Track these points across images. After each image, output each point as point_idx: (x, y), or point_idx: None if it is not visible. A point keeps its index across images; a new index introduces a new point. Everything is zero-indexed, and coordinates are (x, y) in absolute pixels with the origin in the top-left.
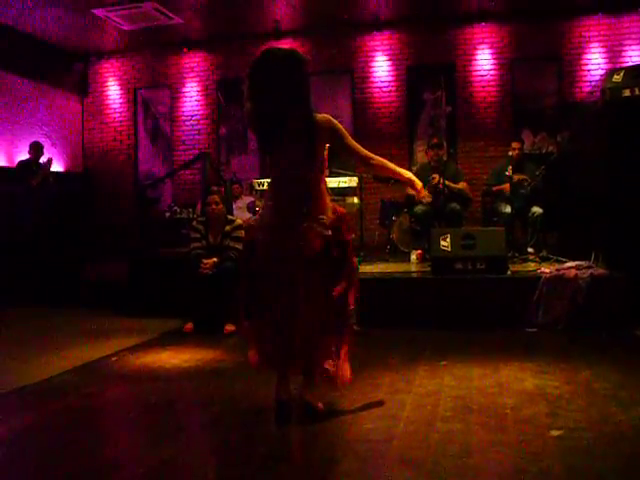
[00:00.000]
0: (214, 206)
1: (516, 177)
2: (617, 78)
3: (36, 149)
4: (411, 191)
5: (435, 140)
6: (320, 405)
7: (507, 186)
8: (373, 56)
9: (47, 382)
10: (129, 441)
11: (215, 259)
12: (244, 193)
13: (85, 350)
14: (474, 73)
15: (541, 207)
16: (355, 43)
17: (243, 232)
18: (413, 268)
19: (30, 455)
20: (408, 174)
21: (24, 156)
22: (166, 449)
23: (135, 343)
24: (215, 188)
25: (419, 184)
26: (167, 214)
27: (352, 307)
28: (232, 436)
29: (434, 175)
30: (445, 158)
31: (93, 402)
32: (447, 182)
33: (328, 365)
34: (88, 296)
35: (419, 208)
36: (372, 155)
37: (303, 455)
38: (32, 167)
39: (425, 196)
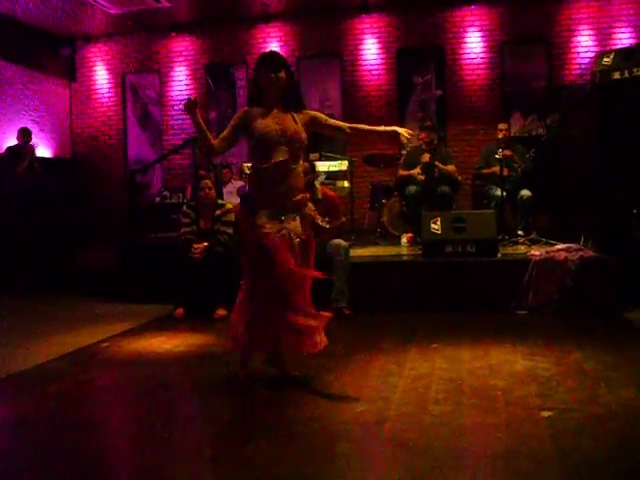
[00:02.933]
0: (207, 190)
1: (504, 153)
2: (607, 61)
3: (24, 135)
4: (404, 138)
5: (429, 122)
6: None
7: (497, 169)
8: (362, 39)
9: (38, 369)
10: (122, 427)
11: (205, 243)
12: (234, 177)
13: (76, 336)
14: (464, 56)
15: (531, 190)
16: (344, 26)
17: (233, 216)
18: (404, 251)
19: (22, 442)
20: (389, 127)
21: (12, 142)
22: (159, 434)
23: (126, 329)
24: (204, 172)
25: (402, 129)
26: (157, 199)
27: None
28: (224, 418)
29: (425, 154)
30: (436, 141)
31: (85, 388)
32: (437, 163)
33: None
34: (78, 282)
35: (410, 189)
36: (345, 124)
37: (296, 438)
38: (21, 153)
39: (417, 173)
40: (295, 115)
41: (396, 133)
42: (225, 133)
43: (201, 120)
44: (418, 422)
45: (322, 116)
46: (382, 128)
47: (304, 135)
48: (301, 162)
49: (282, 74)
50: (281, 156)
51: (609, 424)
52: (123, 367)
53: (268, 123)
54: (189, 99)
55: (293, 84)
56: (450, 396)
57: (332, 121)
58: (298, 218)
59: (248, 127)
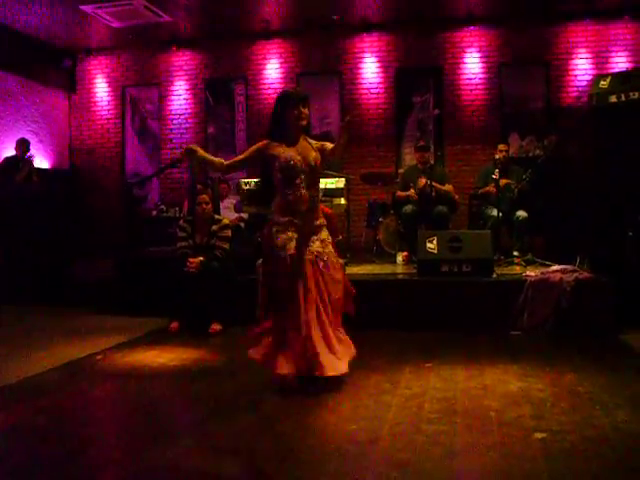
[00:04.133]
0: (204, 206)
1: (502, 182)
2: (604, 84)
3: (22, 145)
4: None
5: (422, 142)
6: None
7: (492, 187)
8: (362, 58)
9: (32, 380)
10: (114, 441)
11: (201, 258)
12: (231, 192)
13: (70, 348)
14: (462, 76)
15: (527, 211)
16: (344, 45)
17: (229, 232)
18: (399, 270)
19: (13, 455)
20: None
21: (10, 152)
22: (151, 449)
23: (121, 341)
24: (200, 187)
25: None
26: (154, 212)
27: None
28: (218, 435)
29: (421, 179)
30: (432, 161)
31: (78, 401)
32: (435, 184)
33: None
34: (74, 294)
35: (406, 209)
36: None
37: (289, 456)
38: (18, 163)
39: (412, 195)
40: (312, 143)
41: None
42: (238, 158)
43: (203, 154)
44: (411, 442)
45: (328, 145)
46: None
47: (320, 165)
48: (318, 187)
49: (306, 109)
50: (304, 187)
51: (603, 446)
52: (116, 380)
53: (291, 155)
54: (187, 148)
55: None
56: (444, 416)
57: (330, 146)
58: (318, 241)
59: (268, 158)
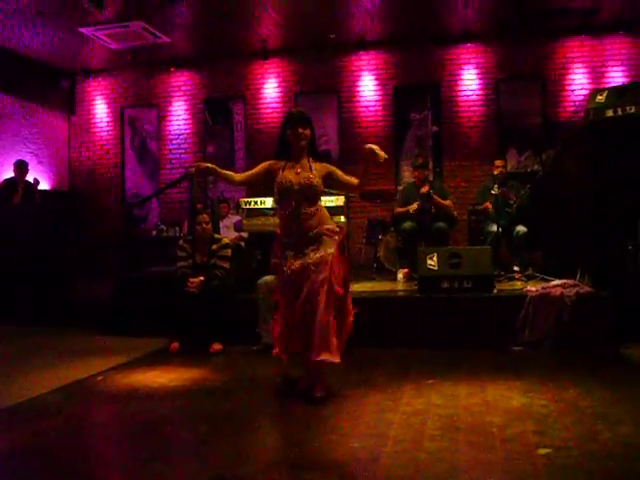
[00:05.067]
0: (204, 225)
1: (502, 192)
2: (600, 98)
3: (20, 167)
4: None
5: (420, 160)
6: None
7: (488, 203)
8: (359, 76)
9: (31, 402)
10: (115, 462)
11: (201, 278)
12: (231, 212)
13: (70, 369)
14: (460, 93)
15: (526, 226)
16: (341, 63)
17: (230, 251)
18: (400, 287)
19: (14, 477)
20: (364, 151)
21: (9, 174)
22: (152, 470)
23: (121, 362)
24: (200, 206)
25: (372, 146)
26: (153, 233)
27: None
28: (219, 456)
29: (425, 185)
30: (431, 177)
31: (78, 422)
32: (435, 196)
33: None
34: (73, 315)
35: (406, 225)
36: (355, 179)
37: (291, 473)
38: (16, 185)
39: (411, 208)
40: (314, 165)
41: (371, 150)
42: (248, 173)
43: (217, 169)
44: (413, 459)
45: (338, 172)
46: (364, 171)
47: (316, 182)
48: (318, 203)
49: (307, 131)
50: (293, 204)
51: (607, 462)
52: (117, 401)
53: (285, 176)
54: (197, 165)
55: (314, 138)
56: (446, 432)
57: (345, 178)
58: (320, 247)
59: (271, 177)
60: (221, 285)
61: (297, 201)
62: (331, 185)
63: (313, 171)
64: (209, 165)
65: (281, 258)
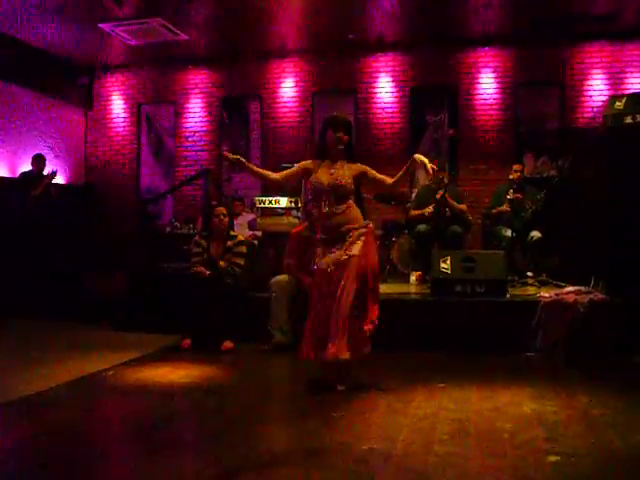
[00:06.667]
0: (221, 217)
1: (517, 196)
2: (619, 105)
3: (38, 161)
4: (427, 168)
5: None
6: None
7: (506, 205)
8: (377, 77)
9: (41, 395)
10: (123, 457)
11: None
12: (245, 210)
13: (82, 364)
14: (477, 96)
15: (541, 231)
16: (359, 64)
17: (245, 248)
18: (412, 289)
19: (23, 470)
20: (414, 161)
21: (27, 167)
22: (161, 466)
23: (132, 358)
24: (215, 203)
25: (425, 159)
26: (168, 229)
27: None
28: (228, 454)
29: (439, 190)
30: (446, 180)
31: (88, 416)
32: (450, 199)
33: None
34: (87, 309)
35: (420, 228)
36: (389, 179)
37: (300, 475)
38: (34, 179)
39: (427, 211)
40: (348, 166)
41: (422, 163)
42: (286, 172)
43: (247, 164)
44: (423, 462)
45: (371, 171)
46: (403, 171)
47: (345, 182)
48: (349, 202)
49: (347, 136)
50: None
51: (617, 471)
52: (126, 397)
53: (318, 176)
54: (227, 158)
55: (352, 143)
56: (456, 437)
57: (379, 176)
58: (347, 246)
59: (306, 177)
60: (235, 282)
61: (328, 200)
62: (365, 183)
63: (346, 171)
64: (239, 157)
65: (314, 256)
